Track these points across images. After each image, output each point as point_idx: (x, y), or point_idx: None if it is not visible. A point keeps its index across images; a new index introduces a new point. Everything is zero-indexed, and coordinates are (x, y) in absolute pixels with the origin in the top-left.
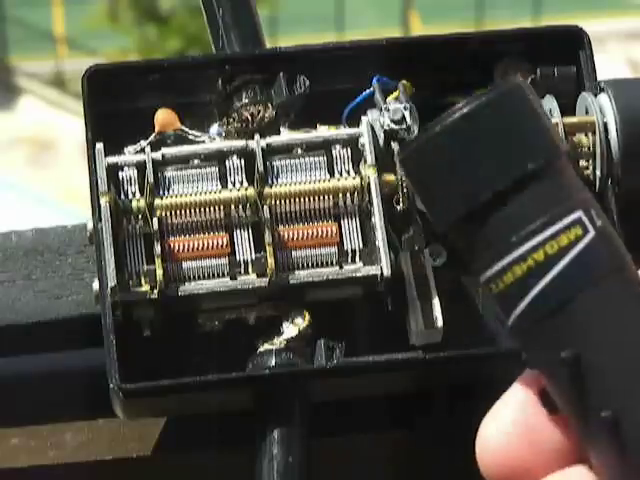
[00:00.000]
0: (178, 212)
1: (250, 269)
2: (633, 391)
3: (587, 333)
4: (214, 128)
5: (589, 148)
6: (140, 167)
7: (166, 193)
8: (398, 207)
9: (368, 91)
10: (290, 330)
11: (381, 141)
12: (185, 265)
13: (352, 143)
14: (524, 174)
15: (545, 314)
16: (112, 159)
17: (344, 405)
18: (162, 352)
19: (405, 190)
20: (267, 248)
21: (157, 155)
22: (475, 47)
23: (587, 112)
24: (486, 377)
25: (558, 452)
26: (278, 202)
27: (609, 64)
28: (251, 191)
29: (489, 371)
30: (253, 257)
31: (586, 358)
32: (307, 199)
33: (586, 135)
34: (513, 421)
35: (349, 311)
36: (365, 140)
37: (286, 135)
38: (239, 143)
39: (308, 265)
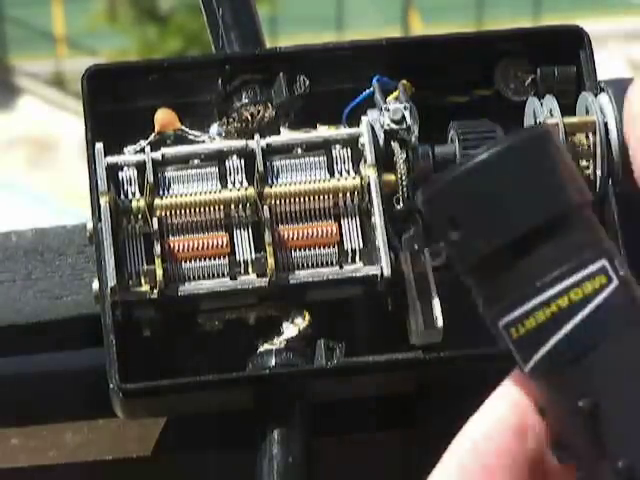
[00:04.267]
0: (178, 212)
1: (250, 269)
2: None
3: (606, 382)
4: (214, 128)
5: (589, 148)
6: (140, 167)
7: (166, 193)
8: (398, 207)
9: (368, 91)
10: (290, 330)
11: (381, 141)
12: (185, 265)
13: (352, 143)
14: (550, 220)
15: (566, 361)
16: (112, 159)
17: (344, 405)
18: (162, 352)
19: (405, 190)
20: (267, 248)
21: (157, 155)
22: (475, 47)
23: (587, 112)
24: (486, 377)
25: None
26: (278, 202)
27: (609, 64)
28: (251, 191)
29: (489, 371)
30: (253, 257)
31: (604, 407)
32: (307, 199)
33: (586, 135)
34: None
35: (349, 311)
36: (365, 140)
37: (286, 135)
38: (239, 143)
39: (308, 265)
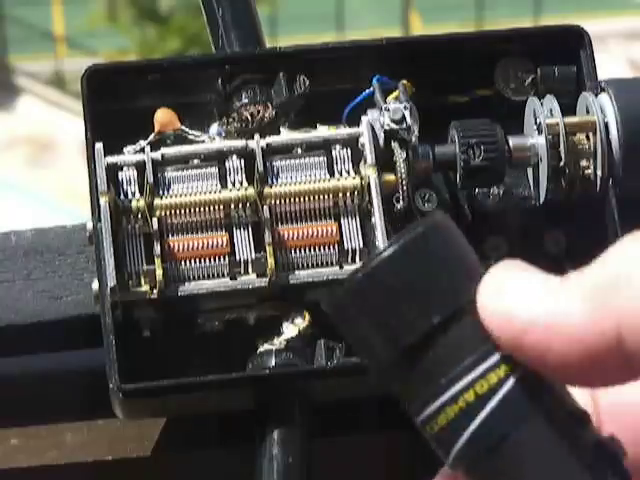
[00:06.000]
0: (178, 212)
1: (250, 269)
2: None
3: (522, 471)
4: (214, 128)
5: (590, 148)
6: (140, 167)
7: (166, 193)
8: (398, 205)
9: (368, 91)
10: (290, 330)
11: (381, 141)
12: (185, 265)
13: (352, 143)
14: (447, 316)
15: (480, 453)
16: (112, 159)
17: (344, 405)
18: (162, 352)
19: (405, 190)
20: (267, 248)
21: (157, 155)
22: (475, 47)
23: (588, 112)
24: None
25: None
26: (278, 202)
27: (609, 64)
28: (251, 191)
29: None
30: (253, 257)
31: None
32: (307, 199)
33: (587, 135)
34: None
35: None
36: (365, 140)
37: (286, 135)
38: (239, 143)
39: (308, 265)
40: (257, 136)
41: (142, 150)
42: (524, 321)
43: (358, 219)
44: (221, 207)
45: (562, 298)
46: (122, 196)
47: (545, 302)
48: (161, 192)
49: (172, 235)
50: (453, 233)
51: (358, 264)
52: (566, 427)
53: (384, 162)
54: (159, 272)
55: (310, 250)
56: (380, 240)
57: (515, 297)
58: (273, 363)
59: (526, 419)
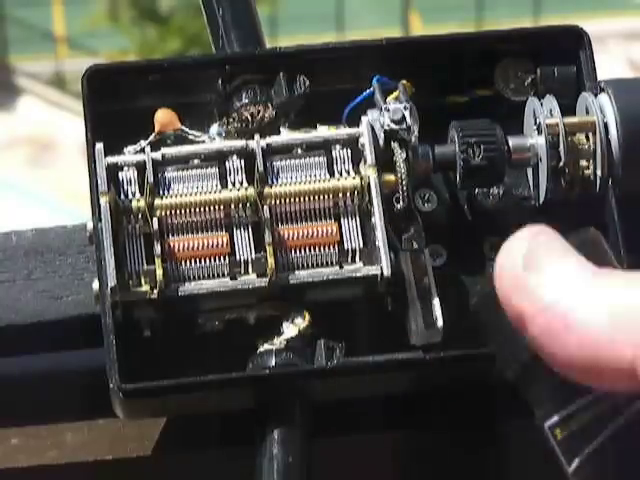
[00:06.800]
0: (178, 212)
1: (250, 269)
2: None
3: None
4: (214, 128)
5: (589, 148)
6: (140, 167)
7: (166, 193)
8: (398, 205)
9: (368, 91)
10: (290, 330)
11: (381, 141)
12: (185, 265)
13: (352, 143)
14: None
15: (606, 463)
16: (112, 159)
17: (344, 405)
18: (162, 352)
19: (405, 190)
20: (267, 248)
21: (157, 155)
22: (475, 47)
23: (587, 112)
24: (486, 377)
25: None
26: (278, 202)
27: (609, 64)
28: (251, 191)
29: (489, 371)
30: (253, 257)
31: None
32: (307, 199)
33: (586, 135)
34: None
35: (349, 311)
36: (365, 140)
37: (286, 135)
38: (239, 143)
39: (308, 265)
40: (257, 136)
41: (142, 150)
42: (547, 300)
43: (358, 219)
44: (221, 207)
45: (590, 298)
46: (122, 196)
47: (575, 292)
48: (161, 192)
49: (172, 235)
50: (602, 249)
51: (358, 264)
52: None
53: (384, 162)
54: (159, 272)
55: (310, 250)
56: (380, 240)
57: (545, 272)
58: (273, 363)
59: None
